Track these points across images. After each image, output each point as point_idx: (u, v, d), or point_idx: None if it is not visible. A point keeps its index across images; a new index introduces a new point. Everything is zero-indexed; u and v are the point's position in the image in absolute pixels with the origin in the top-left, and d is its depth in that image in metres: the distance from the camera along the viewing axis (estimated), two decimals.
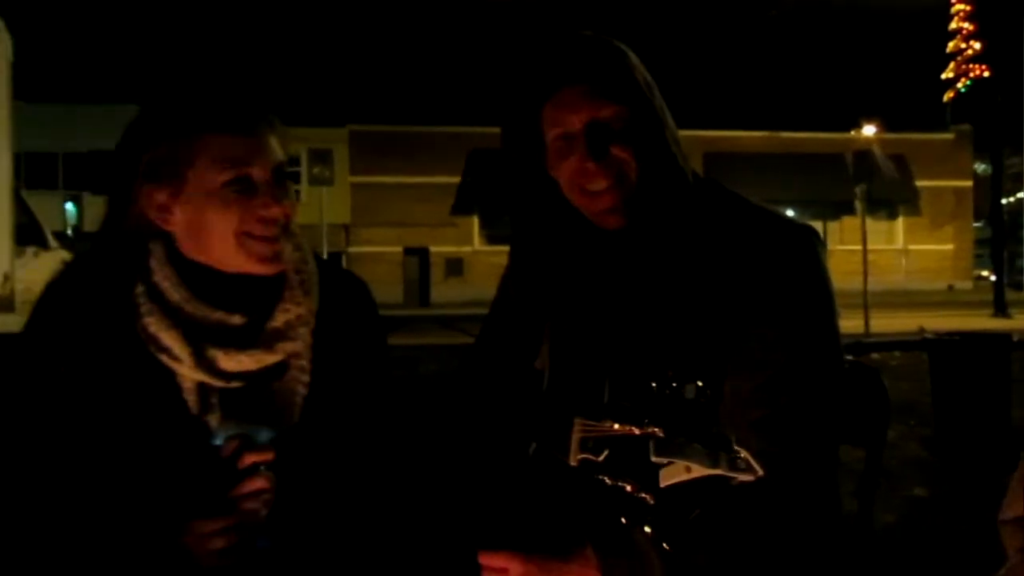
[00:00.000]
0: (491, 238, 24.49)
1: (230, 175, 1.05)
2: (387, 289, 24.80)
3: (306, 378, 1.10)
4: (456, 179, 24.44)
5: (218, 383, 1.06)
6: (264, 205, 1.06)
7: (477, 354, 1.27)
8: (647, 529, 0.79)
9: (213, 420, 1.05)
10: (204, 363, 1.05)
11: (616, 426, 0.85)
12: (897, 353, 8.29)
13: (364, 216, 24.35)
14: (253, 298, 1.09)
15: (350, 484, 1.10)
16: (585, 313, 1.10)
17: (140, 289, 1.07)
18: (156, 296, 1.07)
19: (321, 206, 11.33)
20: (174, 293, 1.07)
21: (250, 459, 1.01)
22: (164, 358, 1.05)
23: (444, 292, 23.97)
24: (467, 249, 25.01)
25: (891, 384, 1.22)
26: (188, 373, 1.05)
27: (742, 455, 0.76)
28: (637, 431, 0.82)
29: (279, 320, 1.09)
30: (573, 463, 0.92)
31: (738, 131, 25.64)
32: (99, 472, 1.03)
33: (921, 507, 3.47)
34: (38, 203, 9.03)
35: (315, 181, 11.82)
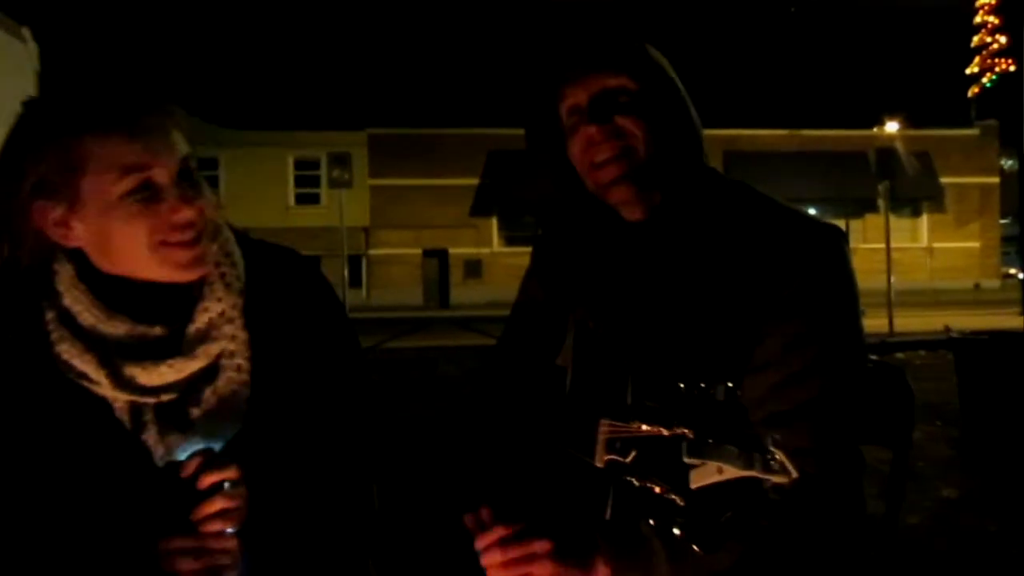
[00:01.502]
0: (510, 239, 24.52)
1: (129, 184, 0.94)
2: (407, 291, 24.90)
3: (244, 377, 1.02)
4: (474, 181, 24.50)
5: (148, 399, 0.99)
6: (173, 210, 0.96)
7: (498, 354, 1.27)
8: (676, 531, 0.78)
9: (150, 438, 0.99)
10: (123, 383, 0.98)
11: (644, 427, 0.84)
12: (922, 352, 8.18)
13: (383, 218, 24.47)
14: (175, 304, 1.01)
15: (317, 481, 1.04)
16: (608, 309, 1.09)
17: (50, 315, 0.99)
18: (67, 320, 0.99)
19: (340, 209, 11.41)
20: (88, 316, 0.99)
21: (209, 479, 0.94)
22: (84, 383, 0.98)
23: (463, 293, 24.03)
24: (486, 250, 25.05)
25: (916, 384, 1.20)
26: (112, 394, 0.98)
27: (777, 456, 0.75)
28: (666, 432, 0.81)
29: (200, 321, 1.01)
30: (600, 464, 0.91)
31: (759, 129, 25.43)
32: (42, 510, 0.96)
33: (949, 508, 3.42)
34: None
35: (334, 184, 11.89)
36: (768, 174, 19.20)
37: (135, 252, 0.97)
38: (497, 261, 24.32)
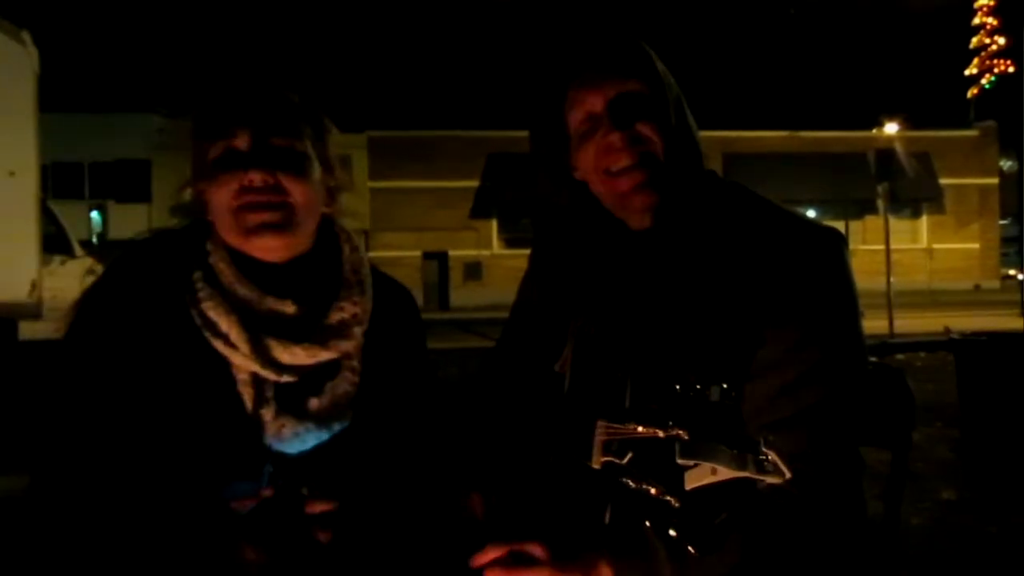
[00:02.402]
0: (509, 241, 24.52)
1: (217, 150, 1.04)
2: None
3: (356, 379, 1.09)
4: (474, 183, 24.50)
5: (272, 375, 1.04)
6: (246, 174, 1.03)
7: (497, 357, 1.27)
8: (672, 532, 0.78)
9: (267, 414, 1.04)
10: (260, 352, 1.03)
11: (640, 428, 0.84)
12: (922, 354, 8.18)
13: (383, 221, 24.47)
14: (300, 286, 1.08)
15: (396, 488, 1.09)
16: (608, 314, 1.09)
17: (198, 274, 1.06)
18: (213, 280, 1.06)
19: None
20: (228, 274, 1.06)
21: (325, 536, 0.96)
22: (219, 345, 1.03)
23: (463, 296, 24.01)
24: (486, 253, 25.05)
25: (916, 385, 1.20)
26: (243, 362, 1.03)
27: (770, 457, 0.75)
28: (661, 434, 0.81)
29: (334, 318, 1.08)
30: (596, 466, 0.91)
31: (758, 131, 25.43)
32: (151, 462, 1.00)
33: (949, 510, 3.42)
34: (64, 212, 9.19)
35: None
36: (767, 176, 19.20)
37: (222, 217, 1.06)
38: (497, 263, 24.30)
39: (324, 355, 1.06)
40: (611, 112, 1.05)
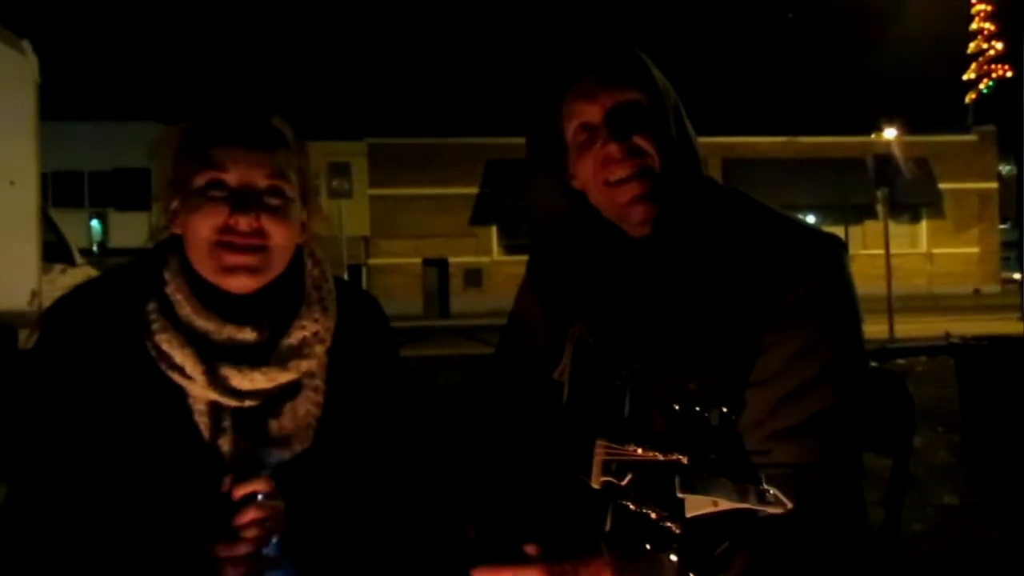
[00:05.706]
0: (509, 248, 24.53)
1: (204, 178, 1.03)
2: (407, 300, 24.88)
3: (320, 399, 1.07)
4: (474, 190, 24.53)
5: (231, 402, 1.03)
6: (232, 213, 1.03)
7: (496, 365, 1.27)
8: (673, 558, 0.77)
9: (225, 444, 1.02)
10: (217, 381, 1.02)
11: (639, 451, 0.83)
12: (923, 358, 8.17)
13: (383, 228, 24.48)
14: (264, 313, 1.06)
15: (364, 508, 1.08)
16: (607, 322, 1.09)
17: (152, 305, 1.04)
18: (168, 311, 1.04)
19: (340, 219, 11.42)
20: (185, 306, 1.04)
21: (241, 491, 0.98)
22: (176, 376, 1.02)
23: (463, 302, 24.00)
24: (486, 259, 25.05)
25: (917, 390, 1.21)
26: (200, 392, 1.02)
27: (771, 491, 0.74)
28: (661, 457, 0.80)
29: (295, 337, 1.07)
30: (596, 485, 0.90)
31: (757, 136, 25.47)
32: (109, 496, 1.00)
33: (951, 515, 3.41)
34: (64, 221, 9.20)
35: (334, 194, 11.91)
36: (767, 181, 19.23)
37: (198, 245, 1.04)
38: (497, 270, 24.31)
39: (284, 377, 1.05)
40: (609, 123, 1.05)
